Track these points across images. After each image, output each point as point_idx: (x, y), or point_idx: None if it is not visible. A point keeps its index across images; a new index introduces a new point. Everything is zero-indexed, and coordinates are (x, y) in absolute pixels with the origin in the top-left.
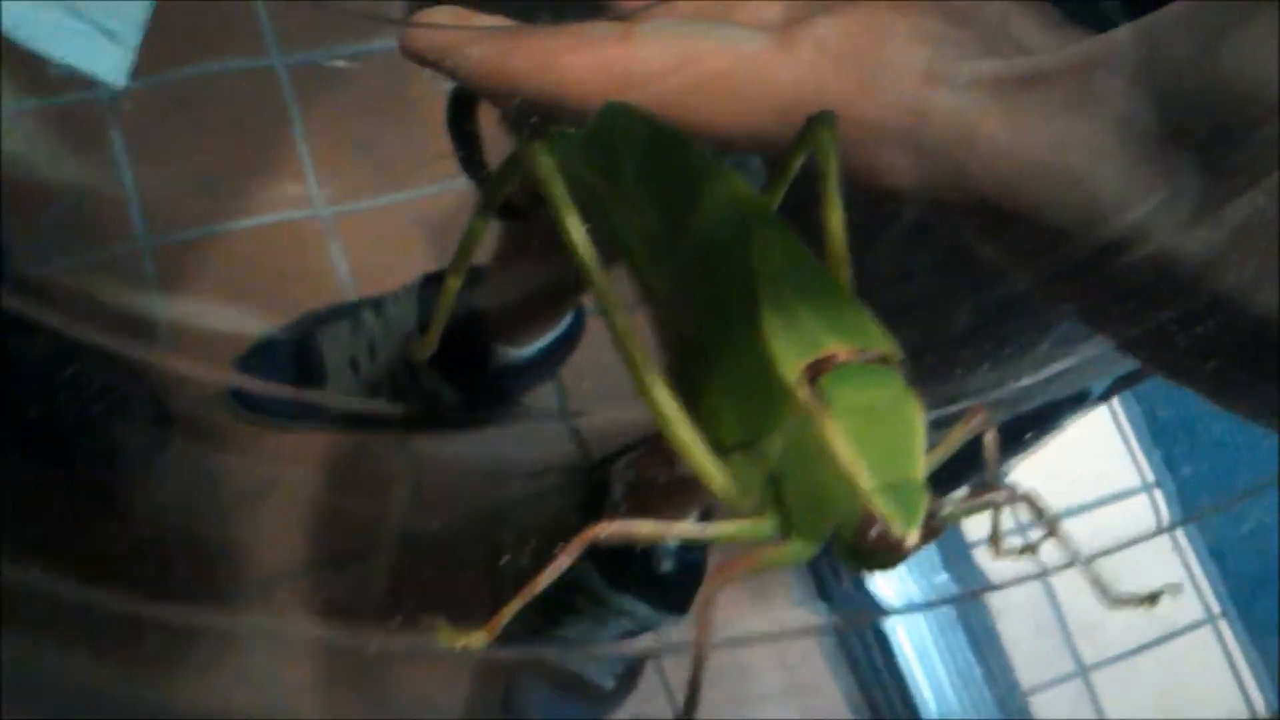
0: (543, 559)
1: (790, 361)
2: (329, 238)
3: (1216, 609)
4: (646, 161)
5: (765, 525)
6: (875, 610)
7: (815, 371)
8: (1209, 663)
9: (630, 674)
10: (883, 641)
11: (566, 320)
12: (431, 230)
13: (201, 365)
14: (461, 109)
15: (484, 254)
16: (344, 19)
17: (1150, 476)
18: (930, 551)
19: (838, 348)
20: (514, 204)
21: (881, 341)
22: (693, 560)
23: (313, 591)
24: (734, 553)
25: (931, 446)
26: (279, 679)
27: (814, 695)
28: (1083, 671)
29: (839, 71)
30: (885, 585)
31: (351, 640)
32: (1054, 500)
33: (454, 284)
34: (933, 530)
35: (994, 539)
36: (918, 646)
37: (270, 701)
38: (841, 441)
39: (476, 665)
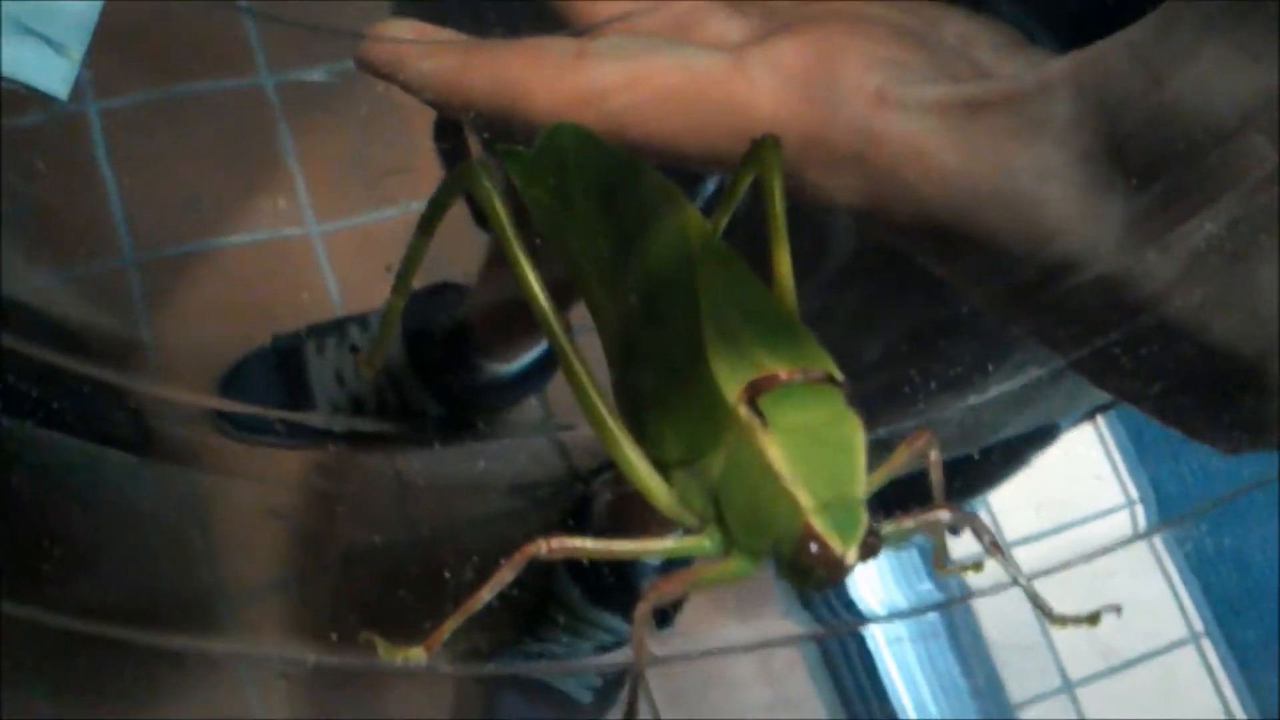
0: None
1: (731, 381)
2: (317, 254)
3: (1199, 627)
4: (594, 183)
5: (707, 542)
6: (856, 618)
7: (755, 391)
8: (1192, 681)
9: (608, 688)
10: (866, 656)
11: None
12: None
13: (184, 388)
14: (446, 130)
15: (469, 269)
16: (306, 30)
17: (1135, 495)
18: (914, 560)
19: (778, 368)
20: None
21: (823, 362)
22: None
23: (281, 610)
24: (731, 591)
25: (876, 467)
26: (263, 709)
27: (798, 709)
28: (1069, 687)
29: (792, 92)
30: (869, 594)
31: (294, 657)
32: (1035, 519)
33: (397, 304)
34: (871, 548)
35: (937, 557)
36: (901, 661)
37: None
38: (781, 460)
39: (456, 684)
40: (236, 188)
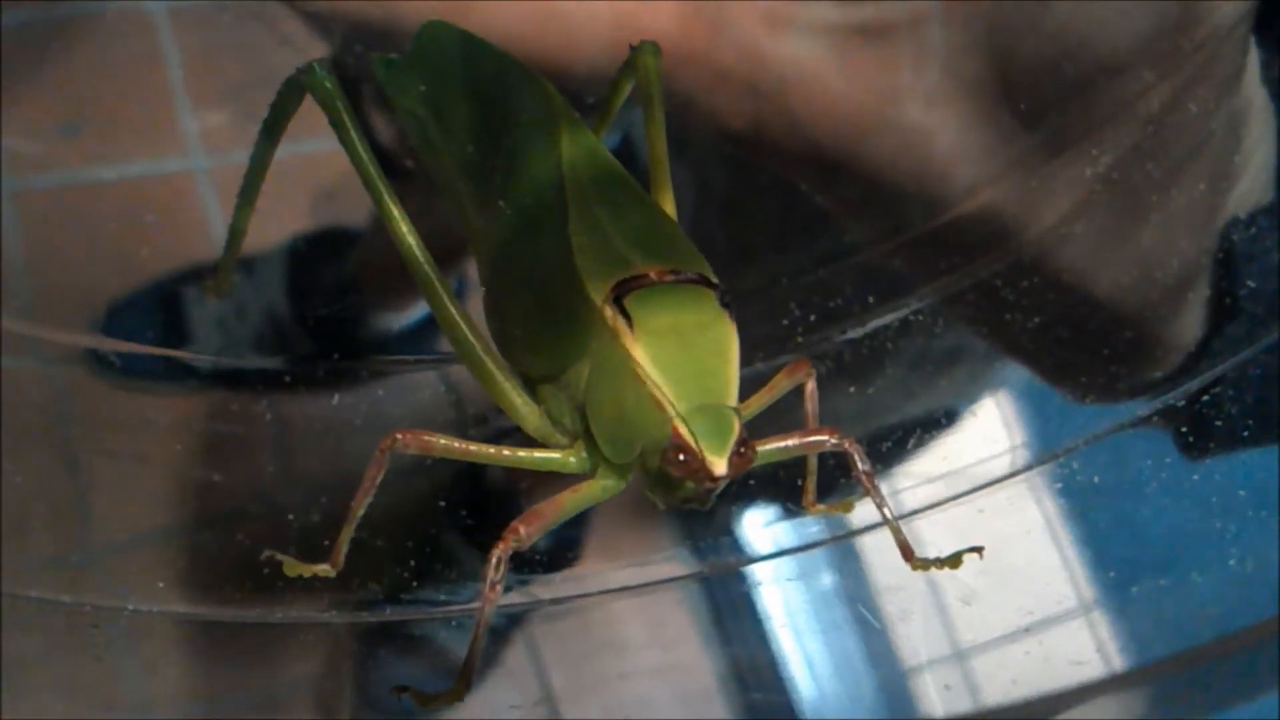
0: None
1: (597, 278)
2: (203, 191)
3: (1090, 597)
4: (464, 82)
5: (572, 458)
6: (740, 556)
7: (623, 290)
8: (1082, 650)
9: (494, 645)
10: (758, 620)
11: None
12: (312, 191)
13: (54, 327)
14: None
15: (362, 216)
16: None
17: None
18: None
19: (648, 268)
20: (390, 158)
21: (697, 264)
22: (571, 537)
23: (146, 560)
24: (619, 533)
25: (751, 395)
26: (150, 678)
27: (688, 674)
28: (960, 655)
29: (682, 11)
30: (756, 537)
31: (160, 610)
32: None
33: (242, 217)
34: (744, 460)
35: (805, 491)
36: (794, 624)
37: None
38: (646, 362)
39: (330, 641)
40: (125, 121)
